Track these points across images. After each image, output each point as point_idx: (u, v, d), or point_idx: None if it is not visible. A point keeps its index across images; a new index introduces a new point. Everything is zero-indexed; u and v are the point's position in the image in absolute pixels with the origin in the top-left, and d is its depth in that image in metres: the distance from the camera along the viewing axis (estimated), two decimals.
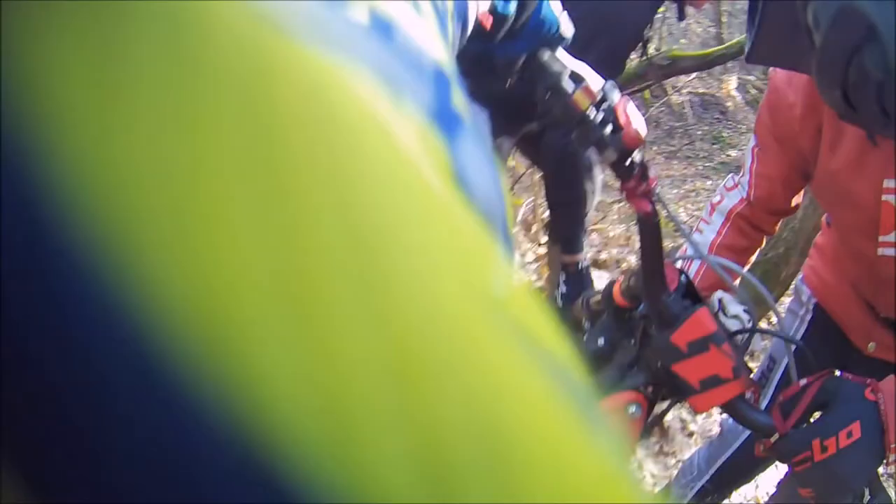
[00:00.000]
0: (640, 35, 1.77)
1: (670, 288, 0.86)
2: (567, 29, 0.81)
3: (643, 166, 0.85)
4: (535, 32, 0.78)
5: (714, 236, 1.27)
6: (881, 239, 1.06)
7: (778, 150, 1.17)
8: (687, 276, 0.89)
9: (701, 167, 6.93)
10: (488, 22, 0.67)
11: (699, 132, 7.67)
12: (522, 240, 3.36)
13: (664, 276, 0.86)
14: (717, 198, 1.32)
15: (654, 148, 7.17)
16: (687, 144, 7.27)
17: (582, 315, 1.01)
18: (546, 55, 0.81)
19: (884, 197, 1.02)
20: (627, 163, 0.84)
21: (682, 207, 5.83)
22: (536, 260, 3.15)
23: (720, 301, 0.90)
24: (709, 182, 6.52)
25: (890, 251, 1.06)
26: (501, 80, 0.82)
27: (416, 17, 0.32)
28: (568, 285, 1.73)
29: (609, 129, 0.82)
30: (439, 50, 0.32)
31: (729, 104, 7.66)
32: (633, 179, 0.84)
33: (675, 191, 6.26)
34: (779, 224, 1.35)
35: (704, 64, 3.25)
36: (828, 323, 1.34)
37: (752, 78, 7.41)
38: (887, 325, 1.21)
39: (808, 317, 1.37)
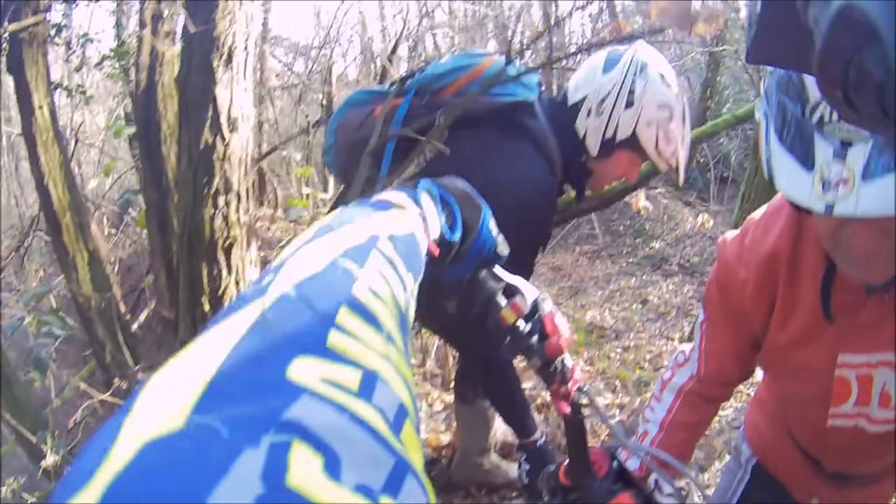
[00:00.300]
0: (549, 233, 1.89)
1: (598, 475, 0.99)
2: (503, 248, 0.90)
3: (564, 372, 0.94)
4: (476, 255, 0.87)
5: (665, 414, 1.27)
6: (833, 410, 1.08)
7: (728, 327, 1.17)
8: (619, 462, 1.02)
9: (625, 264, 6.96)
10: (436, 251, 0.75)
11: (621, 227, 7.75)
12: (430, 389, 3.17)
13: (589, 465, 0.99)
14: (668, 374, 1.31)
15: (578, 249, 7.17)
16: (612, 242, 7.33)
17: (544, 489, 1.08)
18: (483, 273, 0.91)
19: (838, 371, 1.04)
20: (551, 368, 0.93)
21: (608, 310, 5.76)
22: (445, 409, 2.97)
23: (656, 482, 0.99)
24: (633, 280, 6.52)
25: (843, 422, 1.08)
26: (449, 300, 0.94)
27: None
28: (530, 463, 1.84)
29: (535, 338, 0.92)
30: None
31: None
32: (556, 383, 0.94)
33: (599, 292, 6.22)
34: (733, 389, 1.35)
35: (605, 202, 3.36)
36: (768, 479, 1.34)
37: (660, 190, 7.61)
38: (833, 480, 1.22)
39: (746, 478, 1.38)
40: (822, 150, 0.78)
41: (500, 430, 2.48)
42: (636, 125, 1.74)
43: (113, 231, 5.39)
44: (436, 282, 0.74)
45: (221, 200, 2.02)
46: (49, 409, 2.93)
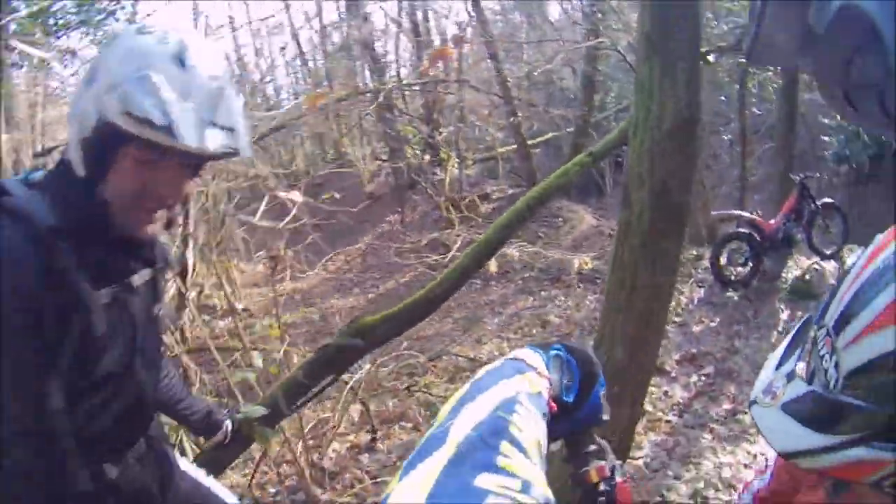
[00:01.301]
0: None
1: None
2: (607, 415, 1.07)
3: None
4: (586, 417, 1.05)
5: None
6: None
7: None
8: None
9: (520, 280, 6.39)
10: (554, 407, 0.94)
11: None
12: None
13: None
14: (751, 476, 1.36)
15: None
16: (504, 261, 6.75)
17: None
18: (584, 435, 1.09)
19: None
20: None
21: (506, 339, 5.15)
22: None
23: None
24: (531, 299, 5.94)
25: None
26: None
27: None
28: None
29: (604, 499, 1.05)
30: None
31: None
32: None
33: (496, 320, 5.61)
34: None
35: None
36: None
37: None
38: None
39: None
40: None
41: None
42: (103, 107, 1.30)
43: None
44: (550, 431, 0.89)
45: None
46: None
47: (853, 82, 0.59)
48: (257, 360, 3.78)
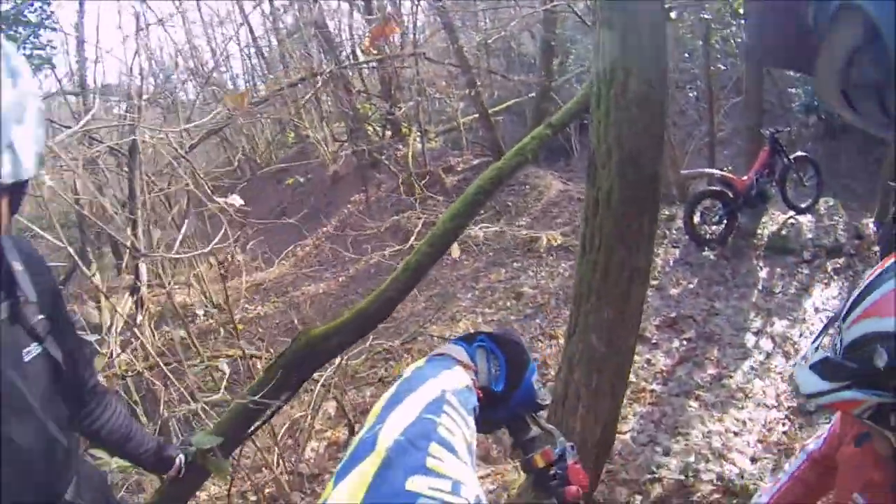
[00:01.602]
0: None
1: None
2: (545, 399, 1.10)
3: None
4: (518, 404, 1.07)
5: (795, 469, 1.71)
6: None
7: None
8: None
9: (491, 253, 6.20)
10: (482, 398, 0.96)
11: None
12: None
13: None
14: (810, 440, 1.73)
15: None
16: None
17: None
18: (525, 418, 1.11)
19: None
20: None
21: (481, 314, 4.96)
22: None
23: None
24: (504, 271, 5.76)
25: None
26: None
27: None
28: None
29: (557, 482, 1.09)
30: None
31: None
32: None
33: (469, 295, 5.42)
34: None
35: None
36: None
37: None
38: None
39: None
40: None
41: None
42: None
43: None
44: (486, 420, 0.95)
45: None
46: None
47: (853, 82, 0.59)
48: (223, 366, 3.65)
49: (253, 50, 18.02)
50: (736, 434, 4.25)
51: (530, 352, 1.15)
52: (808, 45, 0.61)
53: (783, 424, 4.33)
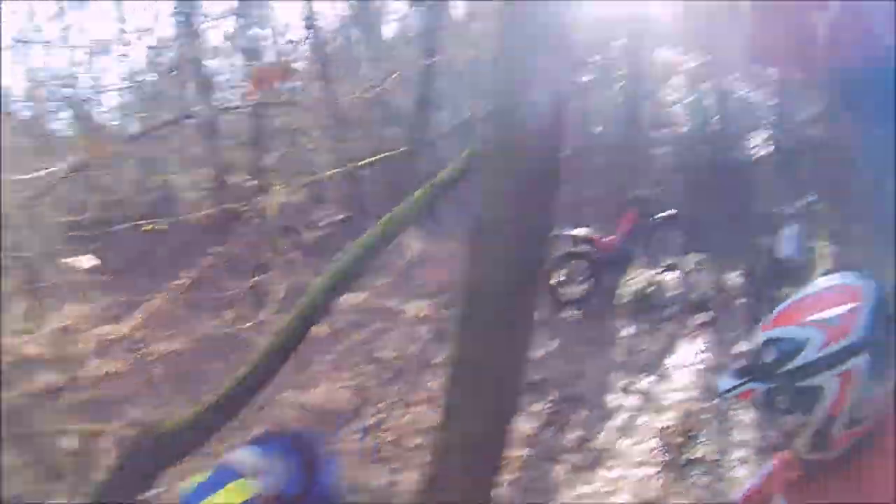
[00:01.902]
0: None
1: None
2: (345, 496, 1.16)
3: None
4: (317, 501, 1.07)
5: None
6: None
7: None
8: None
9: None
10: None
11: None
12: None
13: None
14: None
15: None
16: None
17: None
18: None
19: None
20: None
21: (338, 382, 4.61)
22: None
23: None
24: (363, 331, 5.41)
25: None
26: None
27: None
28: None
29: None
30: None
31: None
32: None
33: (327, 358, 5.06)
34: None
35: None
36: None
37: None
38: None
39: None
40: None
41: None
42: None
43: None
44: None
45: None
46: None
47: (853, 82, 0.70)
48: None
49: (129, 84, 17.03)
50: (610, 493, 4.14)
51: (334, 449, 1.03)
52: (807, 45, 0.69)
53: (658, 479, 4.27)
